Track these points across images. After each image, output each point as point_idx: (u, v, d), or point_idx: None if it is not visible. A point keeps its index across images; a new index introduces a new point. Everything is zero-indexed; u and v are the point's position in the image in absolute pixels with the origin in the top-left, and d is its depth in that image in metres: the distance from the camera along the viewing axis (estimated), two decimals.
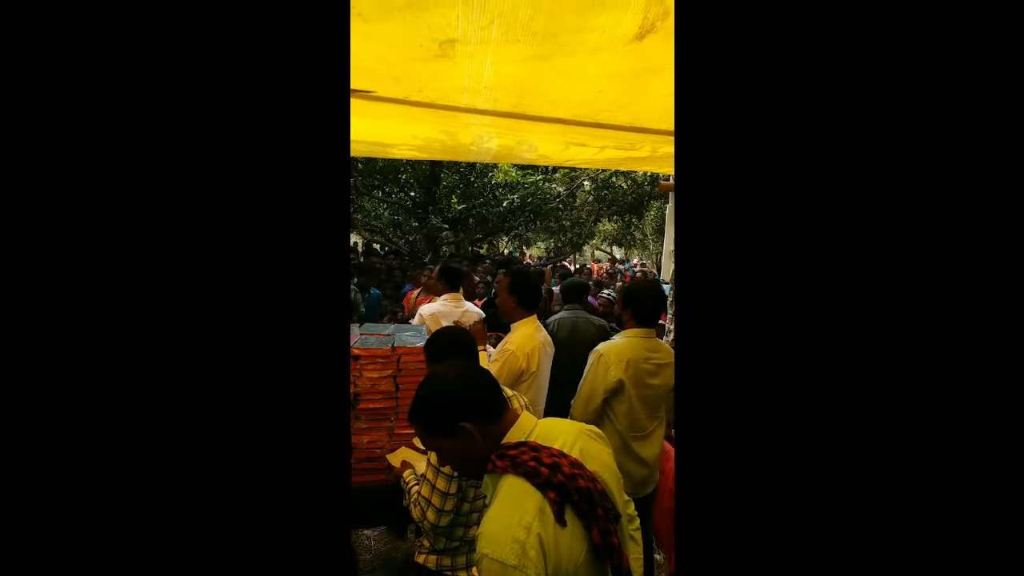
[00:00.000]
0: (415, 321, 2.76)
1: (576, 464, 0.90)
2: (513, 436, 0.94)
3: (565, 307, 2.97)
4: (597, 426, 1.95)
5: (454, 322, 2.53)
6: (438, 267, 2.88)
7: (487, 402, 0.95)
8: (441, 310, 2.75)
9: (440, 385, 0.96)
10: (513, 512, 0.85)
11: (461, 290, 2.93)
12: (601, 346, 1.99)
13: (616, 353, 1.92)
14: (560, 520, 0.84)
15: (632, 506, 1.14)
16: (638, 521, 1.13)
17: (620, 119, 1.62)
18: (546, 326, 2.76)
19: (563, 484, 0.86)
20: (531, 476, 0.87)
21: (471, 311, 2.81)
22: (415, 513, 1.36)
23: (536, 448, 0.90)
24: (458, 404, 0.93)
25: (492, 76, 1.16)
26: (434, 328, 1.92)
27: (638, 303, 1.98)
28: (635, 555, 1.09)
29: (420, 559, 1.44)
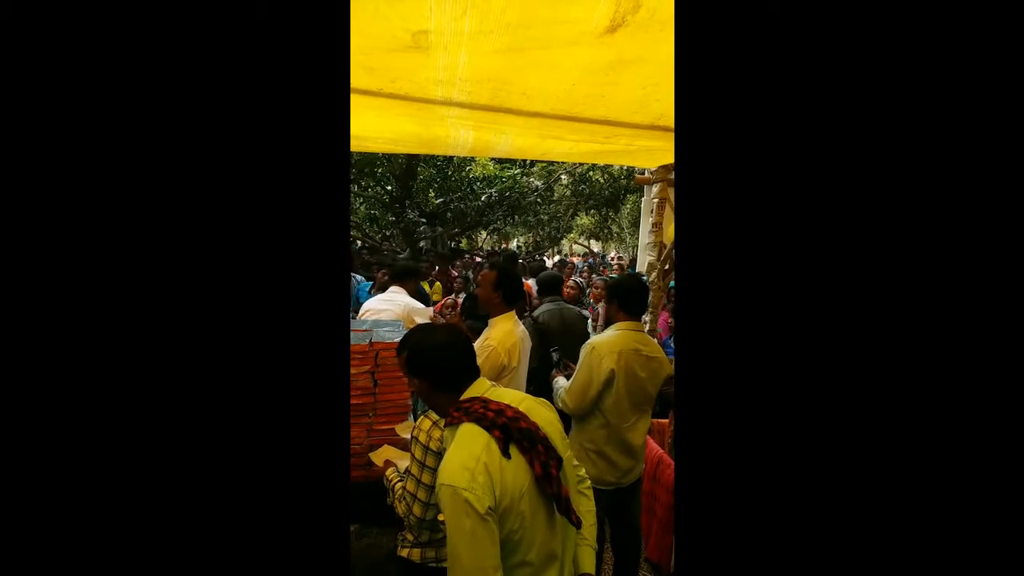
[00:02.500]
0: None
1: (519, 413, 1.08)
2: (469, 395, 1.13)
3: (546, 300, 3.01)
4: (586, 419, 2.02)
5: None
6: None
7: (450, 375, 1.15)
8: (377, 306, 2.80)
9: (424, 341, 1.17)
10: (464, 449, 1.02)
11: (440, 283, 2.94)
12: (593, 339, 2.05)
13: (608, 345, 1.96)
14: (505, 453, 1.02)
15: (583, 470, 1.32)
16: (589, 481, 1.32)
17: (595, 113, 1.62)
18: (535, 319, 2.80)
19: (506, 424, 1.04)
20: (480, 421, 1.05)
21: (413, 307, 2.82)
22: (400, 509, 1.37)
23: (485, 401, 1.09)
24: (426, 362, 1.15)
25: (467, 68, 1.16)
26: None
27: (625, 296, 2.04)
28: (586, 507, 1.25)
29: (404, 553, 1.45)
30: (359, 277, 4.39)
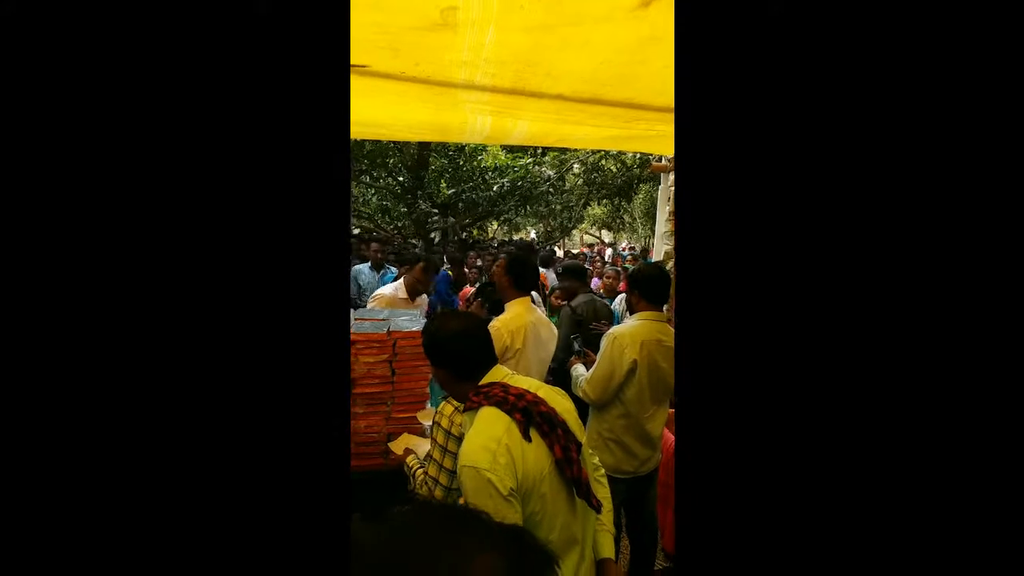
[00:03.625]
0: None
1: (539, 397, 1.09)
2: (488, 380, 1.14)
3: (581, 292, 3.11)
4: (605, 408, 2.02)
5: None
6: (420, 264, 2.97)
7: (468, 363, 1.15)
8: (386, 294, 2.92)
9: (441, 330, 1.17)
10: (485, 431, 1.03)
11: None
12: (615, 329, 2.02)
13: (630, 335, 1.94)
14: (526, 436, 1.02)
15: (597, 458, 1.34)
16: (603, 469, 1.33)
17: (619, 95, 1.59)
18: (572, 309, 2.84)
19: (526, 408, 1.05)
20: (500, 404, 1.05)
21: (388, 295, 2.91)
22: (423, 493, 1.37)
23: (505, 386, 1.10)
24: (444, 351, 1.16)
25: (493, 47, 1.13)
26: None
27: (647, 285, 2.02)
28: (602, 495, 1.25)
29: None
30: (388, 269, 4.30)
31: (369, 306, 2.84)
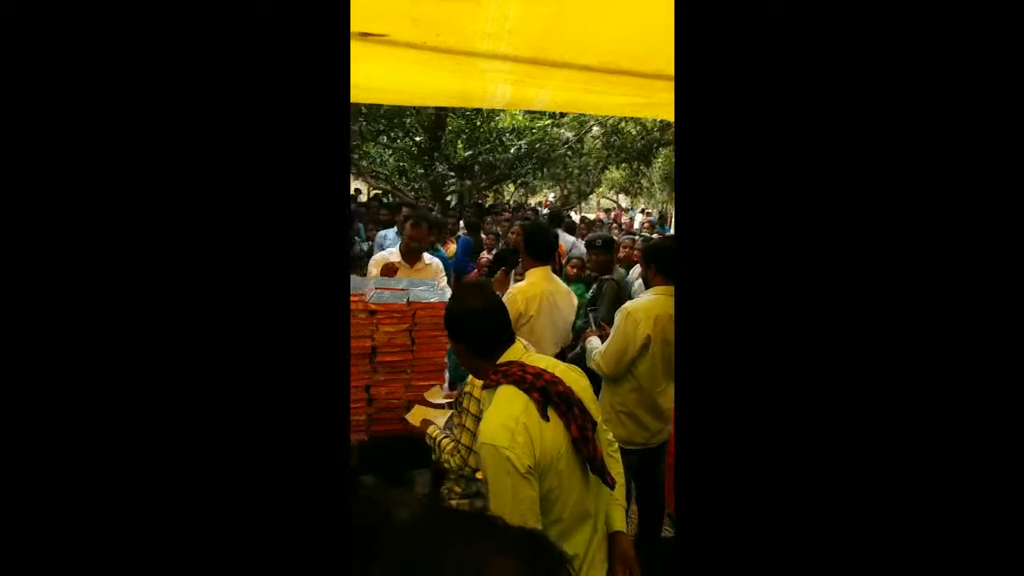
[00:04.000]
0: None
1: (556, 376, 1.10)
2: (506, 358, 1.15)
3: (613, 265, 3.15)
4: (618, 381, 2.04)
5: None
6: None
7: (485, 340, 1.16)
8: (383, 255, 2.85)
9: (459, 306, 1.18)
10: (504, 409, 1.05)
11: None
12: (628, 304, 2.02)
13: (644, 310, 1.93)
14: (543, 415, 1.04)
15: (611, 434, 1.37)
16: (617, 444, 1.36)
17: (647, 66, 1.53)
18: (617, 284, 2.92)
19: (544, 387, 1.06)
20: (519, 383, 1.07)
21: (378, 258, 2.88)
22: (454, 462, 1.42)
23: (523, 365, 1.11)
24: (461, 327, 1.16)
25: (517, 19, 1.09)
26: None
27: (662, 258, 1.99)
28: (615, 470, 1.25)
29: (452, 504, 1.51)
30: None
31: (369, 270, 2.80)
